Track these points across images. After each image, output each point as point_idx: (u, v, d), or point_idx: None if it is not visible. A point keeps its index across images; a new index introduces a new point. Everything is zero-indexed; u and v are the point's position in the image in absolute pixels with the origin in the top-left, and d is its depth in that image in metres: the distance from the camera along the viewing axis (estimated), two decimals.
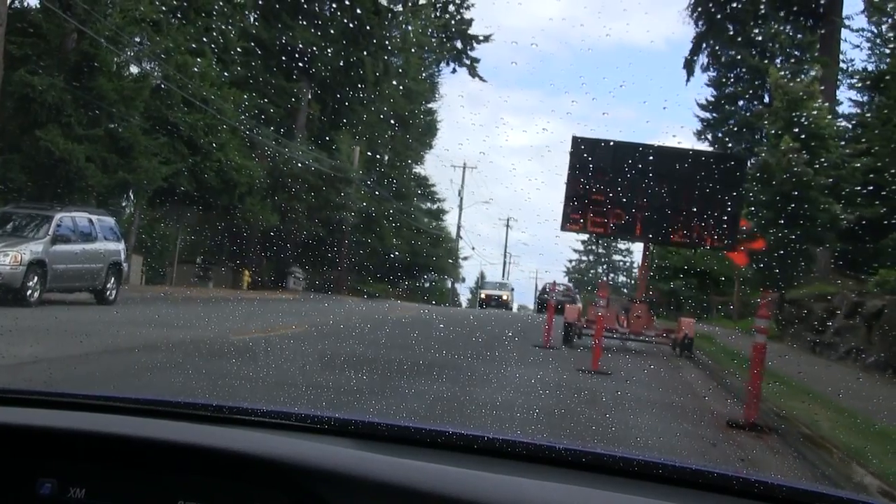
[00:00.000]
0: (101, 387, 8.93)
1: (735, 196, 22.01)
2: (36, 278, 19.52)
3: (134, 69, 31.99)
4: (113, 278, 22.45)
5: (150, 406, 2.38)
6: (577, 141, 22.07)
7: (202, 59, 35.31)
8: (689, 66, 47.79)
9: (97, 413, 2.25)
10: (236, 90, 41.80)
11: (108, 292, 22.25)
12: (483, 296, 64.96)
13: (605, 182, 21.82)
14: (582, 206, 22.05)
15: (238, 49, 45.70)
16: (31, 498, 2.01)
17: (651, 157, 21.93)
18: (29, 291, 19.31)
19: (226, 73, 40.82)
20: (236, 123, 37.83)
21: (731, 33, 47.60)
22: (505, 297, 64.35)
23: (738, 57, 50.09)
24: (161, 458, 2.03)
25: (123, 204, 35.29)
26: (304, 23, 49.65)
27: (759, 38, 47.06)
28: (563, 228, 22.12)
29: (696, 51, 47.26)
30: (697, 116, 52.77)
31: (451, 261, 70.71)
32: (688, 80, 48.93)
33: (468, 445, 2.22)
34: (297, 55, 49.67)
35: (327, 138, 52.31)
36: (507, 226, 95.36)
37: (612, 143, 22.14)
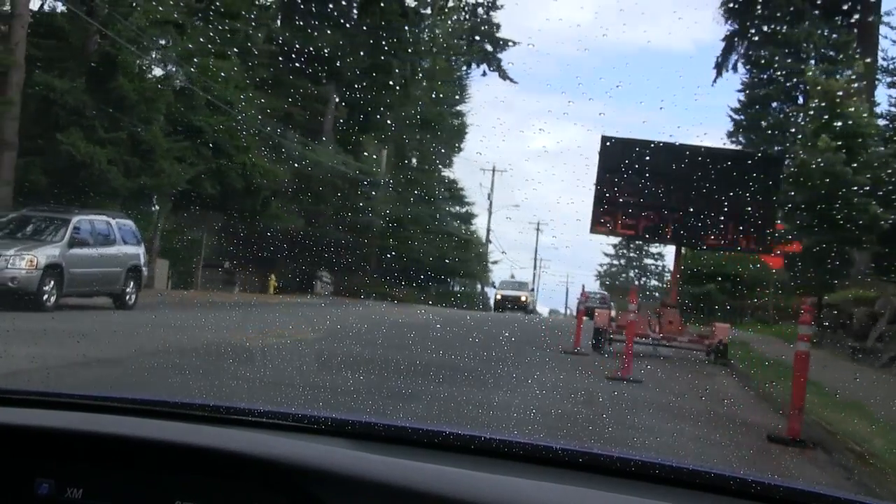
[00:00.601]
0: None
1: (771, 197, 21.28)
2: (52, 282, 19.09)
3: (156, 71, 31.66)
4: (132, 282, 22.00)
5: (147, 406, 2.37)
6: (606, 141, 21.42)
7: (226, 61, 34.92)
8: (719, 66, 46.99)
9: (95, 413, 2.24)
10: (262, 93, 41.50)
11: (127, 296, 21.80)
12: (498, 297, 58.83)
13: (636, 183, 21.15)
14: (611, 208, 21.40)
15: (263, 52, 45.44)
16: (29, 498, 2.01)
17: (683, 157, 21.24)
18: (45, 296, 18.88)
19: (251, 76, 40.49)
20: (261, 126, 37.41)
21: (765, 32, 46.81)
22: (524, 299, 58.25)
23: (772, 58, 49.24)
24: (158, 458, 2.03)
25: (154, 208, 34.96)
26: (331, 26, 49.22)
27: (794, 39, 46.24)
28: (593, 231, 21.45)
29: (727, 51, 46.43)
30: (730, 117, 51.88)
31: (480, 265, 70.03)
32: (715, 80, 48.09)
33: (465, 446, 2.22)
34: (323, 58, 49.35)
35: (354, 141, 51.91)
36: (538, 230, 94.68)
37: (642, 143, 21.44)
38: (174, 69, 32.78)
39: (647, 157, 21.17)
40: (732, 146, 48.06)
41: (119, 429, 2.10)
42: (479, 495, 1.79)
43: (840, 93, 26.75)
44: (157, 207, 34.07)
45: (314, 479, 1.89)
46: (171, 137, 30.61)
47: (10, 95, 24.84)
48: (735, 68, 49.83)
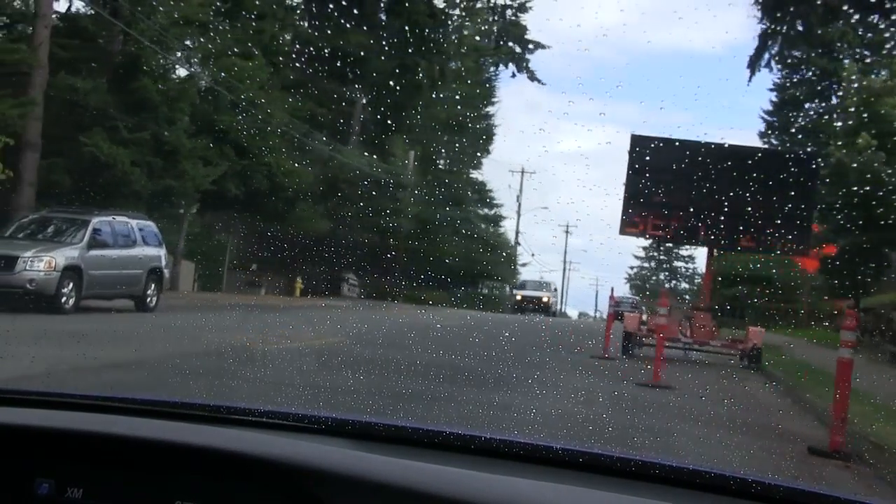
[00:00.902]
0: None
1: (807, 197, 20.66)
2: (71, 284, 18.77)
3: (180, 71, 31.42)
4: (153, 285, 21.66)
5: (147, 406, 2.37)
6: (636, 140, 20.88)
7: (251, 61, 34.62)
8: (753, 65, 46.25)
9: (95, 413, 2.24)
10: (288, 94, 41.23)
11: (148, 299, 21.46)
12: (518, 297, 56.17)
13: (667, 183, 20.61)
14: (642, 209, 20.87)
15: (290, 53, 45.20)
16: (29, 498, 2.00)
17: (716, 157, 20.68)
18: (64, 298, 18.56)
19: (277, 77, 40.20)
20: (286, 127, 37.09)
21: (799, 31, 46.11)
22: (546, 300, 55.69)
23: (805, 58, 48.55)
24: (158, 458, 2.02)
25: (181, 210, 34.75)
26: (358, 26, 48.88)
27: (827, 38, 45.49)
28: (622, 232, 20.91)
29: (761, 49, 45.70)
30: (762, 118, 51.15)
31: (509, 267, 69.40)
32: (750, 79, 47.36)
33: (465, 445, 2.22)
34: (350, 59, 49.06)
35: (381, 143, 51.57)
36: (567, 232, 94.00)
37: (673, 142, 20.90)
38: (198, 69, 32.51)
39: (679, 157, 20.63)
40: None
41: (119, 429, 2.09)
42: (479, 495, 1.79)
43: (879, 89, 26.03)
44: (182, 210, 33.73)
45: (314, 478, 1.88)
46: (195, 138, 30.33)
47: (33, 96, 24.60)
48: (770, 66, 49.11)
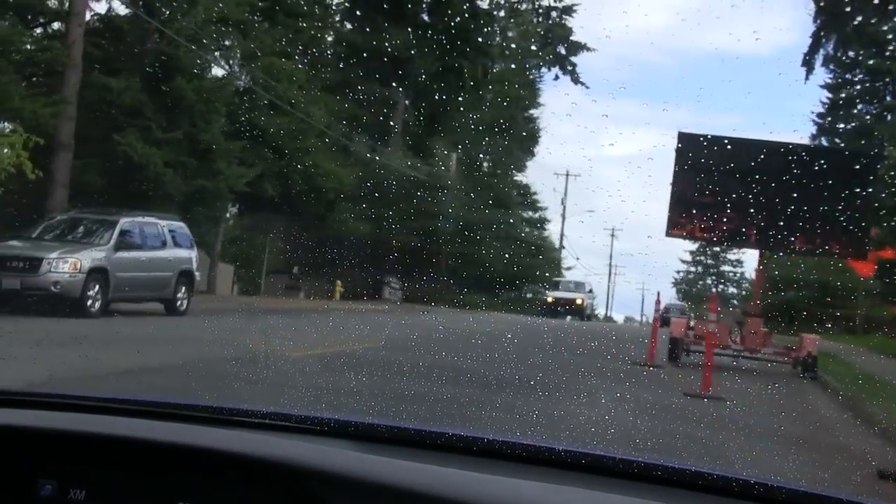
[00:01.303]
0: None
1: (865, 198, 19.58)
2: (97, 287, 18.24)
3: (216, 71, 30.95)
4: (183, 287, 21.10)
5: (150, 408, 2.36)
6: (684, 138, 19.94)
7: (290, 61, 34.09)
8: (808, 63, 45.02)
9: (97, 414, 2.23)
10: (329, 95, 40.73)
11: (178, 302, 20.91)
12: (549, 299, 51.78)
13: (716, 182, 19.65)
14: (689, 210, 19.92)
15: (330, 53, 44.74)
16: (32, 499, 2.00)
17: (767, 155, 19.67)
18: (89, 301, 18.03)
19: (318, 77, 39.71)
20: (325, 128, 36.52)
21: (852, 30, 44.95)
22: (580, 302, 51.75)
23: (857, 57, 47.33)
24: (161, 459, 2.03)
25: (219, 213, 34.29)
26: (400, 26, 48.27)
27: (880, 37, 44.31)
28: (668, 234, 19.95)
29: (814, 48, 44.51)
30: (813, 121, 49.87)
31: (553, 271, 68.46)
32: (807, 78, 46.14)
33: (468, 447, 2.21)
34: (392, 60, 48.55)
35: (423, 145, 50.97)
36: (612, 236, 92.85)
37: (722, 140, 19.93)
38: (235, 69, 32.03)
39: (728, 155, 19.68)
40: None
41: (122, 430, 2.08)
42: (482, 496, 1.79)
43: None
44: (219, 212, 33.27)
45: (317, 480, 1.87)
46: (231, 139, 29.83)
47: (65, 95, 24.20)
48: (827, 65, 47.89)
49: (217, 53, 30.67)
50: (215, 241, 34.18)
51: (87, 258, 18.12)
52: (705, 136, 20.00)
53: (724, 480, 2.07)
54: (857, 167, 19.74)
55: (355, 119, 47.06)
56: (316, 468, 1.90)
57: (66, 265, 17.64)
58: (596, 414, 10.30)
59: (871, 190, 19.83)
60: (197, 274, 22.07)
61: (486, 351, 17.46)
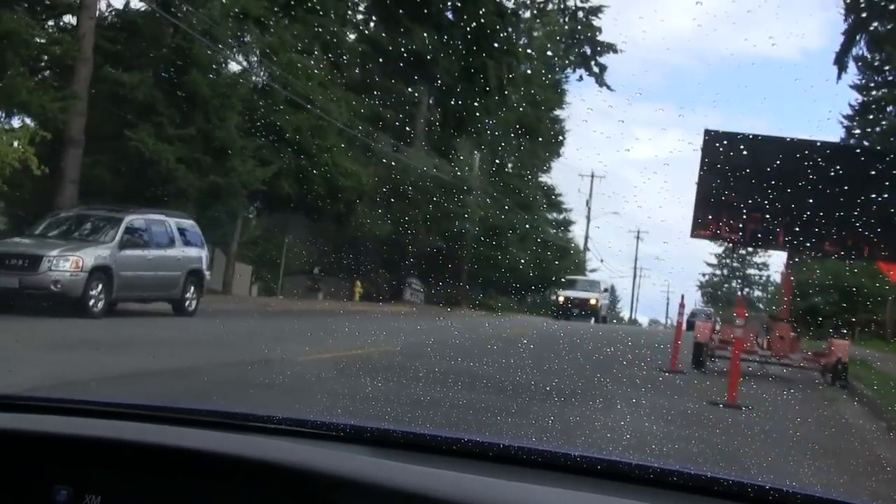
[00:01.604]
0: None
1: None
2: (101, 286, 17.67)
3: (233, 66, 30.41)
4: (192, 287, 20.53)
5: (165, 413, 2.36)
6: (710, 135, 19.13)
7: (310, 58, 33.52)
8: (840, 62, 44.03)
9: (113, 420, 2.22)
10: (351, 93, 40.20)
11: (186, 303, 20.34)
12: (560, 299, 47.98)
13: (743, 182, 18.83)
14: (715, 210, 19.10)
15: (352, 51, 44.23)
16: None
17: (797, 153, 18.84)
18: (91, 301, 17.46)
19: (340, 75, 39.18)
20: (345, 126, 35.92)
21: (885, 30, 44.02)
22: (593, 302, 47.62)
23: (888, 59, 46.34)
24: (177, 464, 2.02)
25: (238, 212, 33.74)
26: (424, 25, 47.68)
27: None
28: (693, 235, 19.15)
29: (847, 47, 43.55)
30: (841, 123, 48.83)
31: (578, 274, 67.60)
32: (839, 77, 45.11)
33: (483, 452, 2.19)
34: (416, 59, 48.03)
35: (447, 145, 50.37)
36: (638, 238, 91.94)
37: (750, 138, 19.10)
38: (253, 65, 31.51)
39: (756, 153, 18.87)
40: None
41: (137, 435, 2.07)
42: (498, 502, 1.79)
43: None
44: (236, 210, 32.72)
45: (332, 485, 1.86)
46: (248, 136, 29.29)
47: (76, 90, 23.70)
48: (857, 66, 46.89)
49: (234, 49, 30.04)
50: (231, 240, 33.64)
51: (90, 256, 17.57)
52: (732, 134, 19.20)
53: (739, 486, 2.04)
54: (890, 166, 18.85)
55: (377, 119, 46.55)
56: (331, 474, 1.89)
57: (67, 263, 17.09)
58: (612, 421, 9.69)
59: None
60: (207, 273, 21.49)
61: (503, 356, 16.79)
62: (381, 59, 47.79)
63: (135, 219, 19.16)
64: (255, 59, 31.99)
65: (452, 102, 53.04)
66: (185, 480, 2.01)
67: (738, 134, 19.14)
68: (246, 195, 29.42)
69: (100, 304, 17.64)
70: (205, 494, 1.97)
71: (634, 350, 22.12)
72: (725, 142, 19.04)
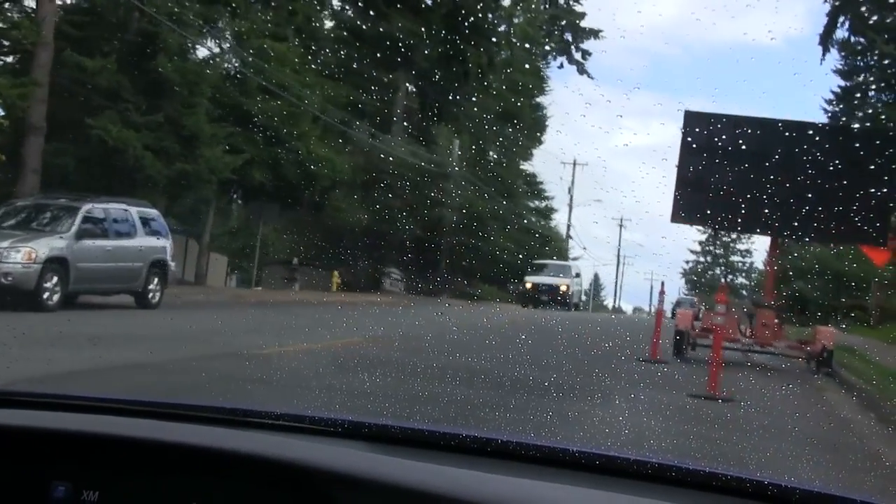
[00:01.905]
0: None
1: (888, 181, 18.10)
2: (55, 278, 16.89)
3: (203, 52, 29.59)
4: (156, 279, 19.76)
5: (162, 409, 2.36)
6: (690, 116, 18.50)
7: (284, 43, 32.70)
8: (824, 42, 43.46)
9: (110, 416, 2.22)
10: (328, 80, 39.44)
11: (149, 295, 19.57)
12: (528, 285, 44.25)
13: (725, 165, 18.20)
14: (696, 195, 18.46)
15: (328, 37, 43.46)
16: (46, 501, 2.00)
17: (781, 135, 18.22)
18: (46, 294, 16.69)
19: (316, 61, 38.38)
20: (321, 114, 35.14)
21: (865, 14, 43.55)
22: (564, 288, 43.67)
23: (869, 44, 45.88)
24: (174, 460, 2.02)
25: (210, 201, 32.87)
26: (402, 11, 46.94)
27: (893, 24, 43.00)
28: (674, 220, 18.49)
29: (830, 28, 43.01)
30: (823, 109, 48.33)
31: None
32: (822, 58, 44.57)
33: (482, 448, 2.20)
34: (394, 45, 47.31)
35: (427, 132, 49.69)
36: (621, 226, 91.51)
37: (733, 119, 18.46)
38: (223, 50, 30.69)
39: (739, 135, 18.21)
40: None
41: (135, 431, 2.07)
42: (496, 497, 1.78)
43: None
44: (208, 199, 31.94)
45: (330, 481, 1.87)
46: (218, 123, 28.50)
47: (36, 76, 22.86)
48: (843, 53, 46.39)
49: (204, 34, 29.20)
50: (204, 230, 32.87)
51: (44, 247, 16.77)
52: (713, 115, 18.56)
53: (737, 481, 2.03)
54: (878, 147, 18.22)
55: (355, 105, 45.85)
56: (329, 469, 1.88)
57: (18, 255, 16.31)
58: (583, 415, 9.09)
59: (890, 169, 18.32)
60: (172, 264, 20.72)
61: (481, 348, 16.17)
62: (357, 45, 47.10)
63: (93, 208, 18.35)
64: (227, 44, 31.17)
65: (432, 89, 52.39)
66: (183, 476, 1.99)
67: (720, 115, 18.51)
68: (217, 184, 28.61)
69: (55, 298, 16.86)
70: (203, 490, 1.96)
71: (615, 339, 21.52)
72: (706, 123, 18.41)
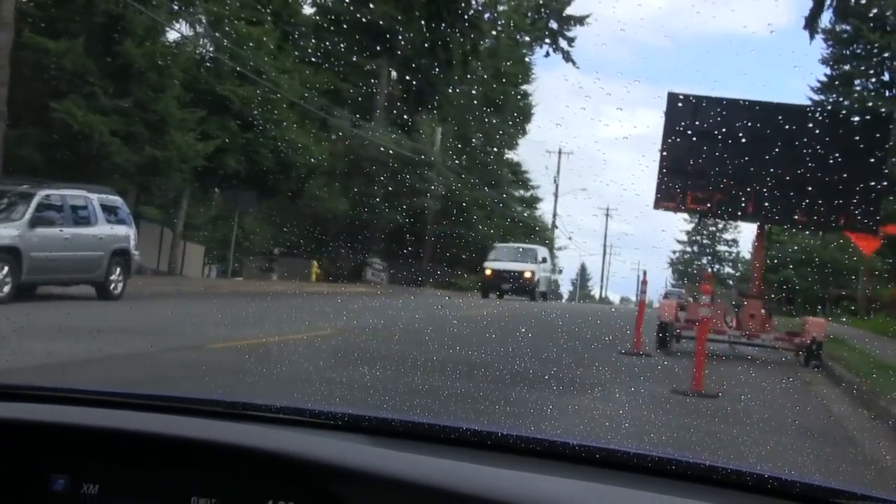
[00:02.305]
0: None
1: (876, 166, 17.42)
2: (6, 269, 16.03)
3: (174, 35, 28.71)
4: (118, 269, 18.92)
5: (162, 402, 2.32)
6: (674, 99, 17.75)
7: (260, 28, 31.84)
8: (810, 25, 42.80)
9: (110, 409, 2.20)
10: (306, 66, 38.63)
11: (111, 285, 18.74)
12: (487, 272, 37.93)
13: (710, 149, 17.48)
14: (680, 180, 17.78)
15: (308, 22, 42.65)
16: (45, 494, 2.00)
17: (767, 118, 17.51)
18: None
19: (292, 46, 37.54)
20: (299, 100, 34.31)
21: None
22: (528, 275, 37.58)
23: (855, 33, 45.43)
24: (174, 454, 2.01)
25: (184, 189, 31.95)
26: None
27: (879, 13, 42.62)
28: (657, 206, 17.77)
29: (817, 11, 42.33)
30: (809, 98, 47.81)
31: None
32: (811, 39, 43.97)
33: (482, 441, 2.18)
34: (376, 31, 46.56)
35: (409, 120, 48.91)
36: (607, 215, 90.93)
37: (718, 101, 17.73)
38: (196, 33, 29.84)
39: (724, 118, 17.50)
40: None
41: (135, 424, 2.06)
42: (496, 491, 1.76)
43: None
44: (183, 186, 31.07)
45: (331, 474, 1.86)
46: (190, 108, 27.65)
47: None
48: (830, 32, 45.81)
49: (176, 17, 28.30)
50: (178, 218, 32.03)
51: None
52: (697, 97, 17.83)
53: (737, 474, 2.00)
54: (869, 130, 17.50)
55: (336, 92, 45.09)
56: (330, 462, 1.87)
57: None
58: (559, 411, 8.41)
59: (883, 158, 17.62)
60: (136, 253, 19.86)
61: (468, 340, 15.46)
62: (338, 31, 46.29)
63: (49, 194, 17.47)
64: (200, 28, 30.31)
65: (415, 76, 51.67)
66: (184, 469, 1.97)
67: (704, 97, 17.78)
68: (187, 171, 27.75)
69: (5, 289, 16.00)
70: (203, 483, 1.94)
71: (596, 330, 20.81)
72: (690, 105, 17.70)
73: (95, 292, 18.62)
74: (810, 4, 42.40)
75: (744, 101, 17.68)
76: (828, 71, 48.53)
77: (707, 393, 11.07)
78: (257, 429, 2.08)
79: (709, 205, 17.81)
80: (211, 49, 30.62)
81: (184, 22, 30.01)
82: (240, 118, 29.85)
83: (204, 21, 30.66)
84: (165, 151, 25.43)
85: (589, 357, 14.45)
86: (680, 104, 17.67)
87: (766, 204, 17.45)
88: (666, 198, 17.72)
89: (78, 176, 22.62)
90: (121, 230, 19.16)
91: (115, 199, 19.50)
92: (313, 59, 41.88)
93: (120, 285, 19.04)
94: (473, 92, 57.61)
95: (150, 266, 34.52)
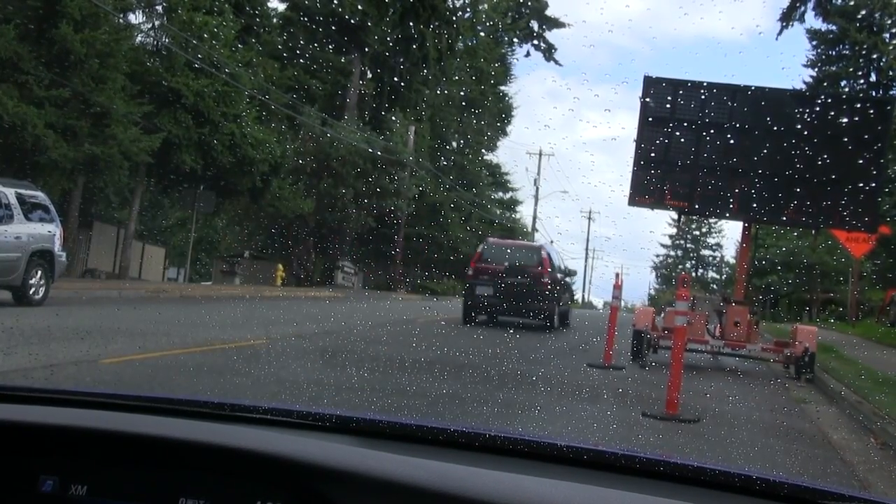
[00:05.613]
0: None
1: (874, 158, 15.79)
2: None
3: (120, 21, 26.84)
4: (40, 271, 17.10)
5: (151, 403, 2.32)
6: (651, 83, 16.08)
7: (217, 18, 30.06)
8: (787, 18, 41.59)
9: (98, 410, 2.17)
10: (271, 60, 36.93)
11: (31, 290, 16.91)
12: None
13: (690, 139, 15.87)
14: (657, 173, 16.10)
15: (272, 14, 40.98)
16: (33, 495, 1.95)
17: (753, 105, 15.89)
18: None
19: (253, 40, 35.83)
20: (262, 95, 32.56)
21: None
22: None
23: (840, 32, 44.40)
24: (163, 455, 1.97)
25: (137, 186, 30.11)
26: None
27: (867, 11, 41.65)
28: (632, 203, 16.08)
29: (794, 5, 41.18)
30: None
31: None
32: (780, 33, 42.81)
33: (470, 443, 2.18)
34: (348, 26, 45.03)
35: (383, 118, 47.38)
36: (589, 218, 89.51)
37: (699, 86, 16.04)
38: (145, 21, 28.07)
39: (706, 105, 15.87)
40: None
41: (124, 425, 2.01)
42: (484, 492, 1.74)
43: None
44: (132, 183, 29.25)
45: (319, 475, 1.82)
46: (138, 100, 25.86)
47: None
48: (816, 33, 44.84)
49: (121, 0, 26.44)
50: (129, 218, 30.20)
51: None
52: (675, 82, 16.13)
53: (725, 476, 2.01)
54: (867, 118, 15.80)
55: (306, 88, 43.53)
56: (318, 464, 1.83)
57: None
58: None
59: (881, 148, 15.96)
60: (61, 255, 18.02)
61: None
62: (308, 25, 44.69)
63: None
64: (151, 14, 28.54)
65: (388, 73, 50.14)
66: (173, 471, 1.93)
67: (684, 81, 16.08)
68: (129, 168, 25.93)
69: None
70: (191, 484, 1.89)
71: (568, 340, 19.14)
72: (668, 91, 16.03)
73: (12, 297, 16.81)
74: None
75: (728, 85, 16.00)
76: (814, 73, 47.52)
77: (682, 417, 9.40)
78: (246, 430, 2.05)
79: (688, 201, 16.13)
80: (164, 39, 28.82)
81: (135, 9, 28.21)
82: (193, 112, 28.04)
83: (157, 8, 28.91)
84: (106, 147, 23.59)
85: (552, 371, 12.78)
86: (656, 89, 16.02)
87: (751, 200, 15.82)
88: (641, 193, 16.06)
89: (11, 172, 20.87)
90: (42, 229, 17.30)
91: (37, 195, 17.66)
92: (280, 54, 40.10)
93: (42, 290, 17.22)
94: (451, 92, 56.25)
95: (105, 269, 32.77)
